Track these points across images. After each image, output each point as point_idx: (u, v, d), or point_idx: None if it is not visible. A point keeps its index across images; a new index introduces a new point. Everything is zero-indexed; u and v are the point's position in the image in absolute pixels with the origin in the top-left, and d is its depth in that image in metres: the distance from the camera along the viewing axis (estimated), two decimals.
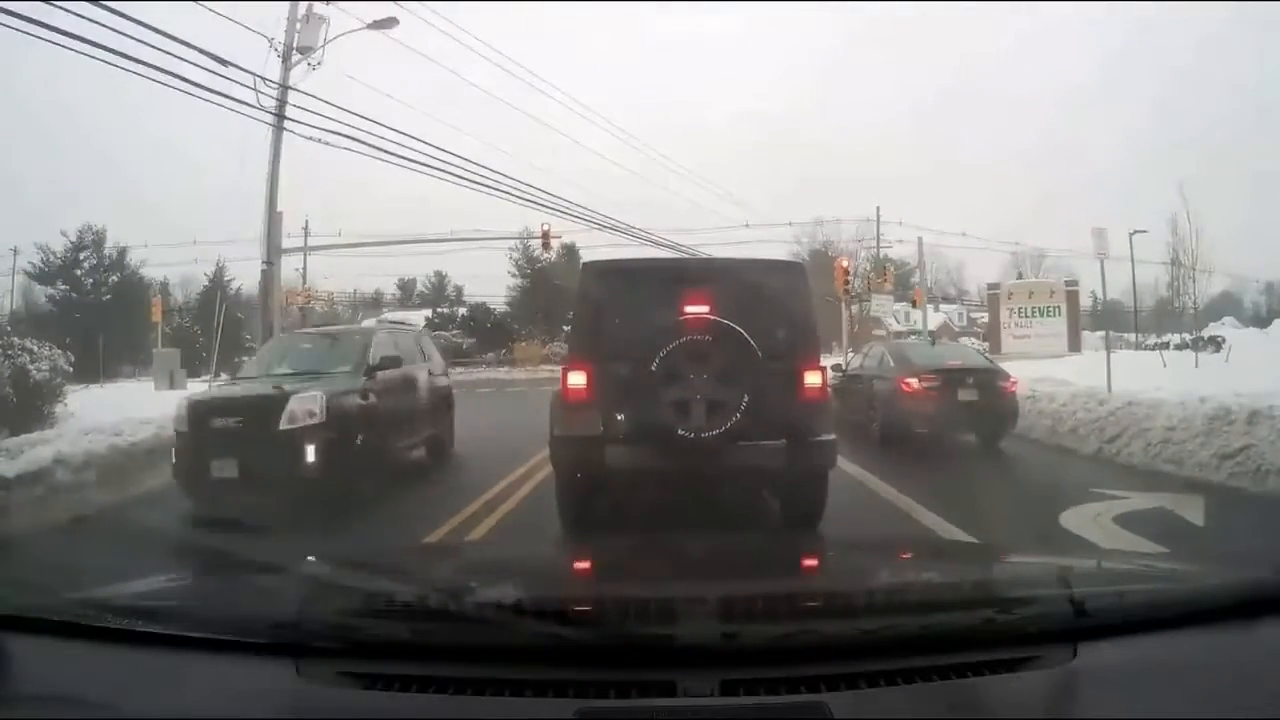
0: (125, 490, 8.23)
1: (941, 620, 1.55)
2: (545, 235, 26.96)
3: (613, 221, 25.35)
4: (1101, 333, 35.10)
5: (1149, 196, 53.49)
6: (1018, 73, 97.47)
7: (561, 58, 76.07)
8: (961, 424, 11.09)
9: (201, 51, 12.13)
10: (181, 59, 11.78)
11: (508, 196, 20.13)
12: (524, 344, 48.93)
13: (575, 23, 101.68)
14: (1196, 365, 20.34)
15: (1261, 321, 46.63)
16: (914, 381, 10.93)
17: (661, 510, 5.84)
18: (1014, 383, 11.35)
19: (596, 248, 31.20)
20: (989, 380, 11.19)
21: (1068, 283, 37.41)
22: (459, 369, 43.61)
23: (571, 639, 1.45)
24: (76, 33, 10.07)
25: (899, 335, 33.32)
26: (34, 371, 11.43)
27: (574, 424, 5.60)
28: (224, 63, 12.73)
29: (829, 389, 6.04)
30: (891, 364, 11.95)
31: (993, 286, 39.55)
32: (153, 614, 1.59)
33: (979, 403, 10.88)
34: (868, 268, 45.00)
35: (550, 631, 1.44)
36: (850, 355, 15.53)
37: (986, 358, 13.67)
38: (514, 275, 53.22)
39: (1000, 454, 10.70)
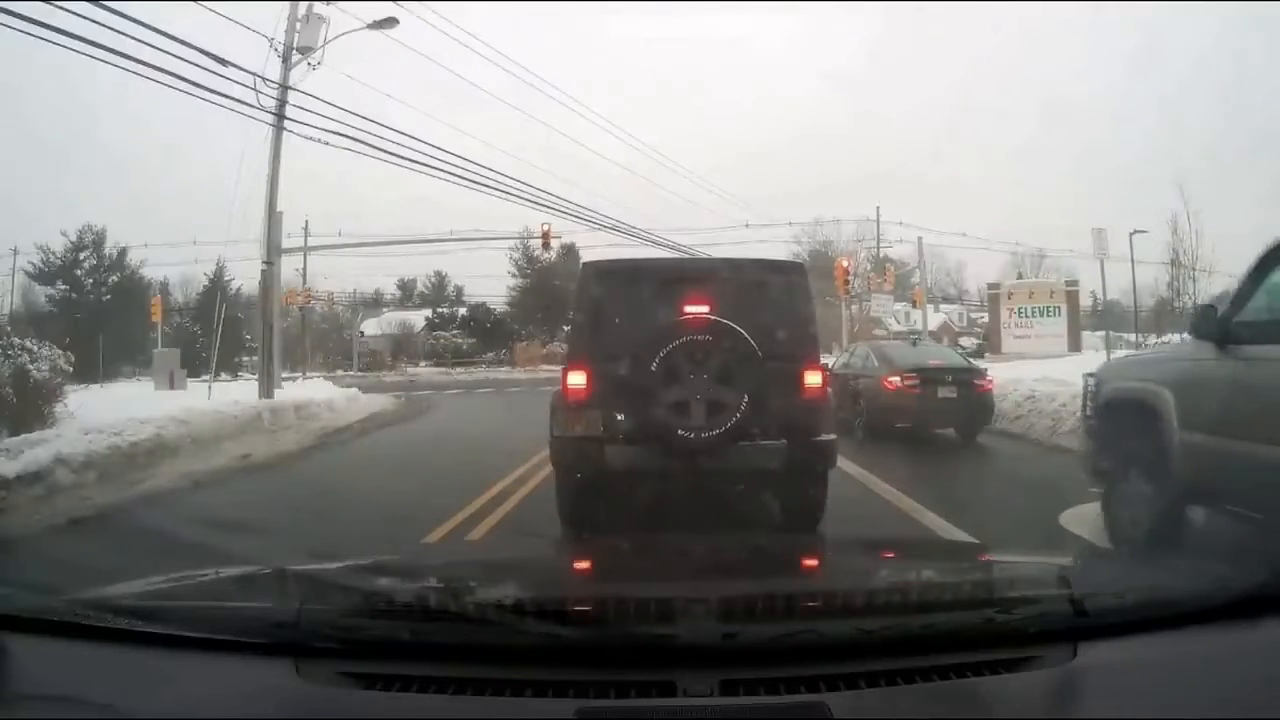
0: (125, 490, 8.21)
1: (941, 620, 1.55)
2: (545, 235, 26.97)
3: (613, 221, 25.43)
4: (1102, 333, 35.12)
5: (1149, 196, 53.47)
6: (1019, 73, 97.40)
7: (562, 58, 76.15)
8: (940, 419, 11.85)
9: (201, 51, 12.16)
10: (181, 59, 11.83)
11: (508, 196, 20.21)
12: (524, 344, 48.96)
13: (576, 23, 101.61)
14: None
15: None
16: (896, 380, 11.62)
17: (662, 510, 5.84)
18: (990, 381, 12.18)
19: (596, 248, 31.26)
20: (966, 379, 11.97)
21: (1068, 283, 37.38)
22: (459, 369, 43.92)
23: (571, 639, 1.45)
24: (77, 32, 10.11)
25: (899, 335, 33.34)
26: (34, 371, 11.39)
27: (574, 424, 5.59)
28: (224, 63, 12.76)
29: (829, 389, 6.06)
30: (875, 363, 12.62)
31: (993, 286, 39.54)
32: (153, 614, 1.58)
33: (957, 400, 11.64)
34: (868, 268, 44.97)
35: (550, 631, 1.44)
36: (836, 355, 15.84)
37: (967, 359, 14.06)
38: (514, 275, 53.30)
39: (1000, 454, 10.78)
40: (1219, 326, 4.66)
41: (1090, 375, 6.11)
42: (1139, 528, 5.11)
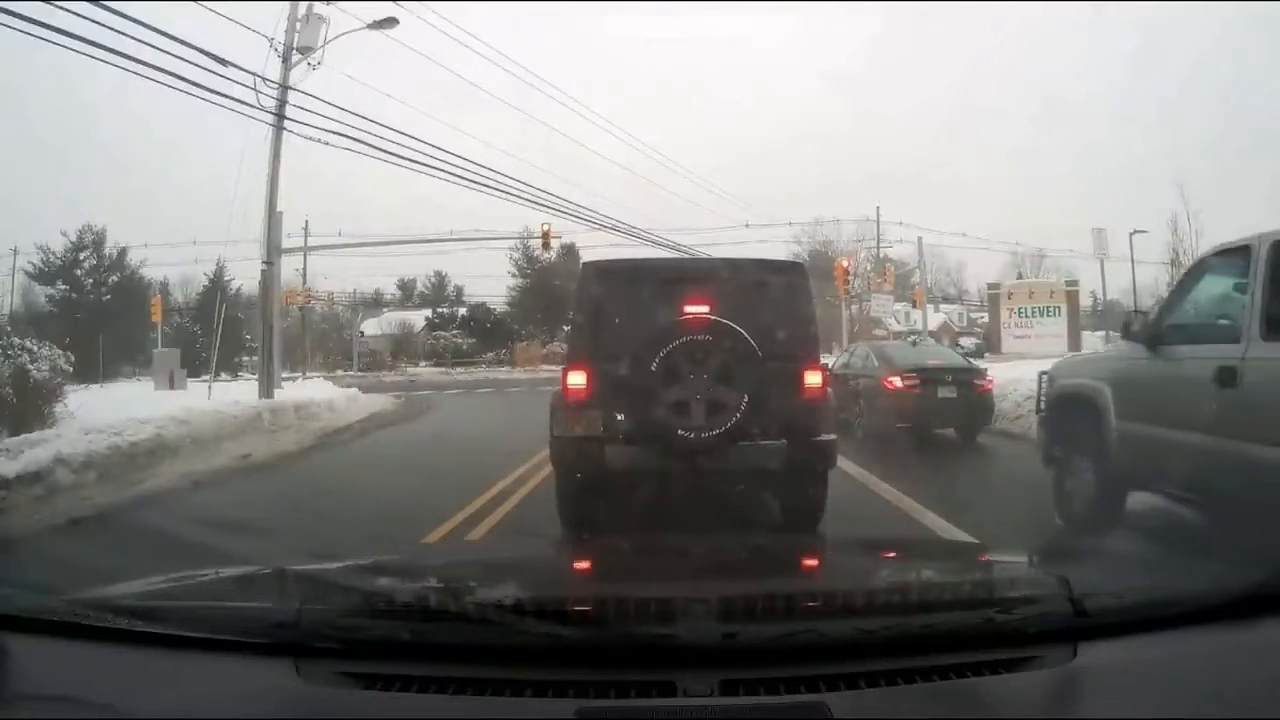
0: (125, 490, 8.21)
1: (941, 620, 1.55)
2: (545, 235, 26.98)
3: (613, 221, 25.43)
4: (1102, 332, 35.12)
5: (1149, 196, 53.53)
6: (1019, 73, 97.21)
7: (562, 58, 75.96)
8: (940, 419, 11.87)
9: (201, 51, 12.17)
10: (181, 59, 11.83)
11: (508, 196, 20.23)
12: (524, 344, 48.96)
13: (576, 23, 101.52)
14: None
15: None
16: (897, 380, 11.63)
17: (662, 510, 5.84)
18: (990, 381, 12.21)
19: (596, 248, 31.19)
20: (966, 379, 12.00)
21: (1068, 283, 37.45)
22: (459, 369, 43.92)
23: (571, 639, 1.45)
24: (77, 32, 10.12)
25: (899, 335, 33.36)
26: (34, 371, 11.40)
27: (574, 424, 5.59)
28: (224, 63, 12.77)
29: (829, 389, 6.06)
30: (875, 363, 12.65)
31: (993, 286, 39.61)
32: (153, 614, 1.58)
33: (957, 400, 11.68)
34: (868, 268, 44.95)
35: (550, 631, 1.44)
36: (836, 355, 15.85)
37: (967, 359, 14.08)
38: (514, 275, 53.30)
39: (999, 454, 10.78)
40: (1146, 331, 5.33)
41: (1044, 373, 6.86)
42: (1083, 506, 5.74)
